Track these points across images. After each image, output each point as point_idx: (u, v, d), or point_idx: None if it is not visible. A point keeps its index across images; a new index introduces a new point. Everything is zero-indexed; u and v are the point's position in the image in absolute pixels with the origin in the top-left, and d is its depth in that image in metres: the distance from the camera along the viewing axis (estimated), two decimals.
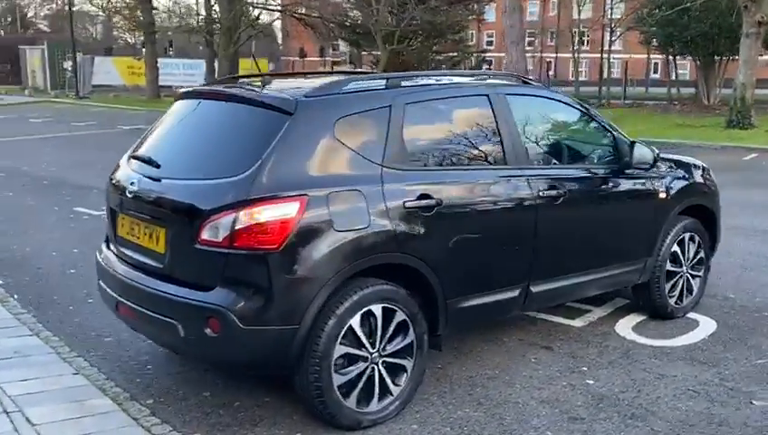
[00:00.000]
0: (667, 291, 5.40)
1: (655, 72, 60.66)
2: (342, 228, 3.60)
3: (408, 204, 3.83)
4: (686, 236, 5.47)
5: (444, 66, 40.40)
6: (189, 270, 3.67)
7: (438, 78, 5.01)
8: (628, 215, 5.14)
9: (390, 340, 3.84)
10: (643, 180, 5.14)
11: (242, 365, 3.82)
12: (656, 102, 35.87)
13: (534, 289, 4.53)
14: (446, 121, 4.38)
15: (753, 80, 19.75)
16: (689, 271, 5.56)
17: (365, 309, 3.71)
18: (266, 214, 3.45)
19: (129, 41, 62.54)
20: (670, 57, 36.09)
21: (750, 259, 7.35)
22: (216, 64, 37.46)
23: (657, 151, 5.19)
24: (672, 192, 5.30)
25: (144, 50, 41.15)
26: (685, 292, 5.55)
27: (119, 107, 33.77)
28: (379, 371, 3.81)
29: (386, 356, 3.83)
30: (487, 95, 4.46)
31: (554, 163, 4.87)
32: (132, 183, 3.99)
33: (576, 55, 44.53)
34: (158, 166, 4.01)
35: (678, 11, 25.85)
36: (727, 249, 7.55)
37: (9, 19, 73.06)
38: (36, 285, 6.32)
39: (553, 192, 4.50)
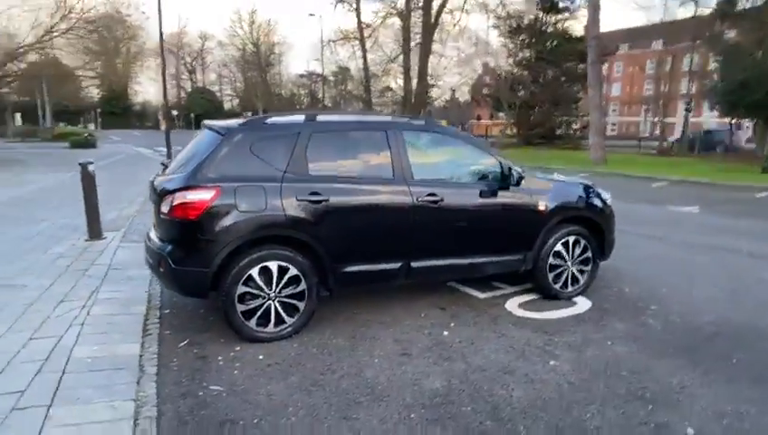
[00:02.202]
0: (551, 278, 4.74)
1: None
2: (244, 210, 3.64)
3: (299, 197, 3.77)
4: (571, 239, 4.76)
5: (564, 124, 37.91)
6: (160, 231, 3.89)
7: (353, 117, 4.76)
8: (505, 219, 4.52)
9: (285, 287, 3.80)
10: (521, 196, 4.52)
11: (179, 290, 3.91)
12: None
13: (415, 265, 4.21)
14: (347, 147, 4.13)
15: None
16: (575, 266, 4.84)
17: (263, 264, 3.71)
18: (191, 196, 3.58)
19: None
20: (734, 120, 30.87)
21: (672, 267, 6.16)
22: None
23: (521, 174, 4.54)
24: (551, 206, 4.63)
25: None
26: (569, 281, 4.83)
27: None
28: (275, 306, 3.80)
29: (281, 298, 3.81)
30: (385, 130, 4.20)
31: (437, 179, 4.32)
32: (152, 179, 4.30)
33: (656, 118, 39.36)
34: (165, 168, 4.29)
35: (739, 83, 22.13)
36: (654, 255, 6.47)
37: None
38: None
39: (431, 198, 4.15)
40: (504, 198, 4.46)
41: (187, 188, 3.60)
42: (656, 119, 32.17)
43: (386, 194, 4.07)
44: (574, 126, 37.72)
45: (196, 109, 65.91)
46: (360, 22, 34.16)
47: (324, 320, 4.21)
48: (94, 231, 6.68)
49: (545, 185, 4.72)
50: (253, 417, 2.84)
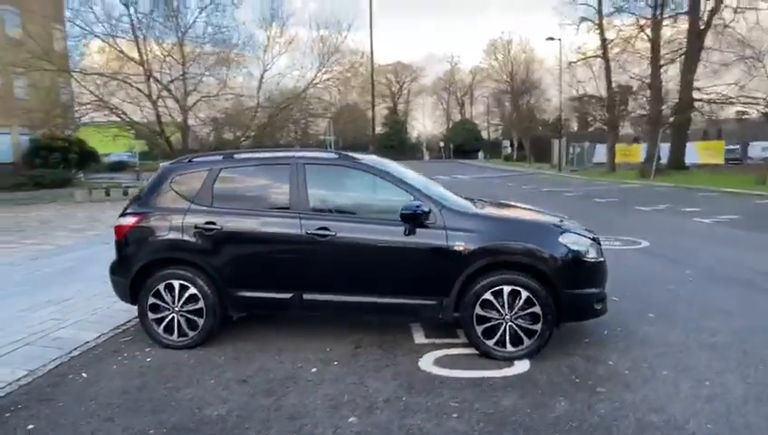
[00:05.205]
0: (479, 332, 4.05)
1: None
2: (154, 235, 4.39)
3: (197, 226, 4.30)
4: (506, 288, 3.98)
5: None
6: None
7: (264, 153, 4.91)
8: (410, 259, 4.08)
9: (186, 303, 4.36)
10: (432, 234, 4.02)
11: (117, 296, 4.70)
12: None
13: (307, 297, 4.23)
14: (253, 181, 4.49)
15: None
16: (516, 321, 4.00)
17: (166, 282, 4.37)
18: (122, 221, 4.51)
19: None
20: None
21: (740, 348, 4.29)
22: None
23: (426, 210, 4.03)
24: (473, 247, 3.97)
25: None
26: (508, 338, 4.02)
27: (580, 178, 32.36)
28: (178, 319, 4.38)
29: (183, 312, 4.38)
30: (288, 164, 4.38)
31: (336, 213, 4.28)
32: None
33: None
34: None
35: None
36: (749, 328, 4.60)
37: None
38: None
39: (322, 232, 4.13)
40: (411, 235, 4.06)
41: (123, 214, 4.54)
42: None
43: (277, 225, 4.27)
44: None
45: (457, 139, 70.37)
46: (603, 39, 31.41)
47: (245, 341, 4.57)
48: None
49: (469, 223, 4.09)
50: (64, 401, 3.51)
